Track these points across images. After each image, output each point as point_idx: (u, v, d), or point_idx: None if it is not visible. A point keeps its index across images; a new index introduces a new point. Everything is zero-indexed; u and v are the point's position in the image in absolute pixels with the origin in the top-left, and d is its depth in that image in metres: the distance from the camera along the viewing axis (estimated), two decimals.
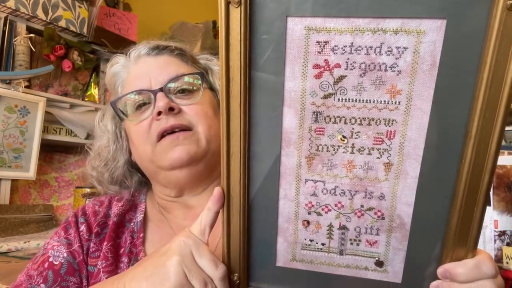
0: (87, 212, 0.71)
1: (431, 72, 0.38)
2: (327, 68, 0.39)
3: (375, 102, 0.40)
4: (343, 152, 0.42)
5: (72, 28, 1.64)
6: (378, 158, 0.42)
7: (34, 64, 1.54)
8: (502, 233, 1.06)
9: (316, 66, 0.40)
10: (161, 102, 0.64)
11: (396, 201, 0.43)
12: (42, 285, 0.61)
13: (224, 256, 0.48)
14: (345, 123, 0.41)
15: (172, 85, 0.67)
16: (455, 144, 0.39)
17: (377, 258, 0.46)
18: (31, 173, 1.55)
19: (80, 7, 1.67)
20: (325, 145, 0.43)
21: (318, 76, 0.40)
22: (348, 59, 0.39)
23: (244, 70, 0.40)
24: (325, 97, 0.41)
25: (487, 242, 1.05)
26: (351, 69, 0.39)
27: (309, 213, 0.46)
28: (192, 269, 0.44)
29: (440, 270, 0.43)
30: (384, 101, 0.39)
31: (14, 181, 1.57)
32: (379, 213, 0.44)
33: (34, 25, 1.55)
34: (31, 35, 1.51)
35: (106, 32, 1.84)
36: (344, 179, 0.43)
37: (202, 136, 0.66)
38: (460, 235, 0.41)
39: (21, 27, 1.50)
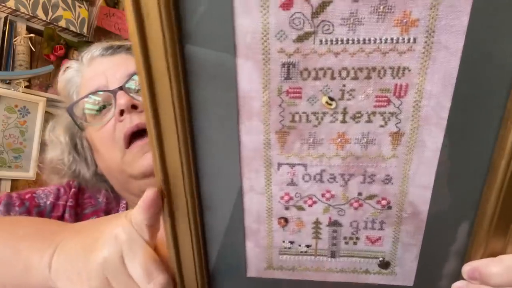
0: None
1: None
2: None
3: (377, 41, 0.25)
4: (331, 122, 0.29)
5: (72, 28, 1.65)
6: (382, 126, 0.28)
7: (34, 64, 1.56)
8: None
9: None
10: (122, 99, 0.57)
11: (408, 184, 0.30)
12: (17, 208, 0.60)
13: (175, 274, 0.35)
14: (333, 77, 0.27)
15: (133, 85, 0.60)
16: (497, 99, 0.26)
17: (381, 258, 0.34)
18: (31, 173, 1.57)
19: (80, 7, 1.69)
20: (303, 112, 0.28)
21: (287, 4, 0.25)
22: None
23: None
24: (300, 38, 0.26)
25: None
26: None
27: (286, 208, 0.33)
28: (116, 277, 0.32)
29: (466, 269, 0.32)
30: (392, 39, 0.25)
31: (14, 181, 1.57)
32: (383, 202, 0.31)
33: (34, 25, 1.56)
34: (31, 35, 1.53)
35: (106, 32, 1.82)
36: (334, 160, 0.30)
37: None
38: (499, 223, 0.29)
39: (21, 27, 1.51)
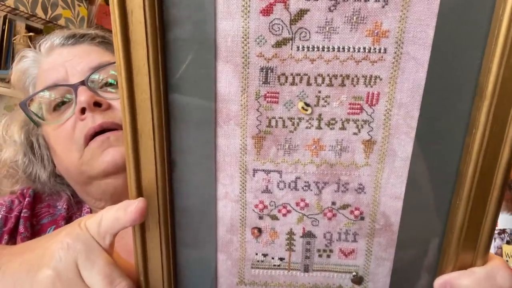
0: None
1: (432, 1, 0.26)
2: None
3: (351, 49, 0.27)
4: (307, 127, 0.29)
5: (71, 26, 1.62)
6: (355, 134, 0.29)
7: None
8: (502, 231, 1.02)
9: None
10: (83, 96, 0.51)
11: (380, 193, 0.31)
12: None
13: (141, 283, 0.33)
14: (309, 83, 0.28)
15: (96, 77, 0.54)
16: (462, 108, 0.28)
17: (354, 273, 0.33)
18: None
19: (79, 5, 1.67)
20: (280, 118, 0.29)
21: (267, 11, 0.26)
22: None
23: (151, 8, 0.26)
24: (279, 44, 0.27)
25: None
26: None
27: (260, 218, 0.32)
28: None
29: (438, 282, 0.32)
30: (364, 48, 0.27)
31: None
32: (356, 212, 0.32)
33: (33, 23, 1.56)
34: (31, 33, 1.50)
35: (105, 31, 1.79)
36: (309, 167, 0.30)
37: None
38: (468, 235, 0.30)
39: (21, 25, 1.51)
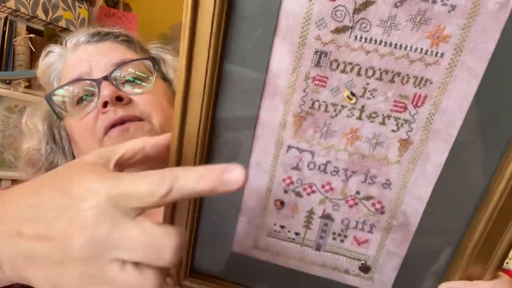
0: None
1: (500, 15, 0.25)
2: None
3: (408, 48, 0.27)
4: (347, 116, 0.30)
5: (72, 28, 1.62)
6: (393, 131, 0.30)
7: (34, 64, 1.49)
8: None
9: None
10: (106, 90, 0.52)
11: (405, 193, 0.32)
12: None
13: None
14: (359, 74, 0.29)
15: (118, 74, 0.55)
16: (506, 126, 0.28)
17: (363, 261, 0.35)
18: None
19: (80, 7, 1.67)
20: (323, 102, 0.30)
21: None
22: None
23: None
24: (338, 30, 0.28)
25: None
26: None
27: (285, 192, 0.34)
28: (107, 251, 0.24)
29: (442, 287, 0.33)
30: (422, 49, 0.27)
31: (14, 181, 1.53)
32: (378, 205, 0.33)
33: (34, 25, 1.55)
34: (31, 35, 1.50)
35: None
36: (341, 153, 0.31)
37: (157, 127, 0.53)
38: (483, 249, 0.31)
39: (21, 27, 1.50)
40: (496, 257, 0.31)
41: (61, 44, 0.63)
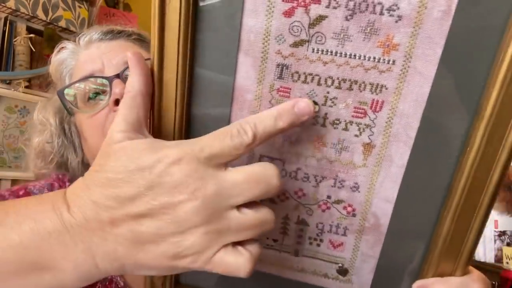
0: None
1: (443, 22, 0.27)
2: (302, 3, 0.28)
3: (362, 58, 0.29)
4: (313, 124, 0.32)
5: (72, 28, 1.64)
6: (356, 136, 0.31)
7: (34, 64, 1.55)
8: (502, 233, 1.01)
9: None
10: (117, 88, 0.53)
11: (373, 195, 0.33)
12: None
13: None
14: (319, 84, 0.30)
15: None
16: (460, 125, 0.29)
17: (340, 265, 0.36)
18: (31, 173, 1.63)
19: (80, 7, 1.68)
20: None
21: (289, 13, 0.29)
22: None
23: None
24: (296, 44, 0.30)
25: (487, 242, 1.01)
26: (335, 8, 0.28)
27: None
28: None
29: (416, 285, 0.34)
30: (375, 57, 0.29)
31: (14, 181, 1.55)
32: (349, 208, 0.34)
33: (34, 25, 1.57)
34: (31, 35, 1.53)
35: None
36: (310, 160, 0.33)
37: None
38: (451, 246, 0.32)
39: (21, 27, 1.52)
40: (465, 253, 0.32)
41: (74, 41, 0.65)
